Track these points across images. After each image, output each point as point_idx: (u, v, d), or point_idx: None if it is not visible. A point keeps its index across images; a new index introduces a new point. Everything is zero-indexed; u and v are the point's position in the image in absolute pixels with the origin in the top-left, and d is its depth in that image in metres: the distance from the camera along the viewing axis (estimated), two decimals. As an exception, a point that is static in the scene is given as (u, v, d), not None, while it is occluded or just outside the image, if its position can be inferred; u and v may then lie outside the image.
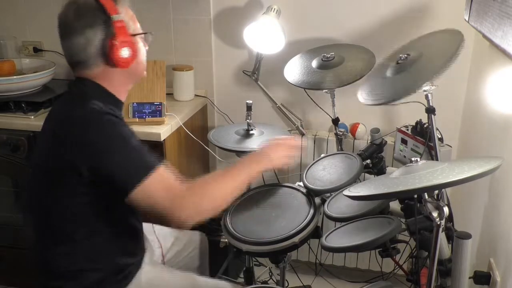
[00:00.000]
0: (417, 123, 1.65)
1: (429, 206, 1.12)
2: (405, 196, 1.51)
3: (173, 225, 1.26)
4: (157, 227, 1.74)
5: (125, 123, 1.33)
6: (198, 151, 2.36)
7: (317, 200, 1.72)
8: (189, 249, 1.82)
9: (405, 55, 1.59)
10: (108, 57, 1.32)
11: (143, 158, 1.27)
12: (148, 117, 2.01)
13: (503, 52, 1.29)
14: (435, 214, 1.11)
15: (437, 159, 1.55)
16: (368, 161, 1.82)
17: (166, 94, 2.11)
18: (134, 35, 1.37)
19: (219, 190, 1.32)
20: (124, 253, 1.42)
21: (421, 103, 1.54)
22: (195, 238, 1.87)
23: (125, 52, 1.32)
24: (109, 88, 1.38)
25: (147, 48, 1.45)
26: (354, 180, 1.66)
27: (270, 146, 1.51)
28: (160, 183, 1.25)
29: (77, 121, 1.28)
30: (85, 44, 1.31)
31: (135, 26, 1.39)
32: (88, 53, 1.32)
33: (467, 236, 1.28)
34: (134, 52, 1.35)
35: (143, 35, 1.41)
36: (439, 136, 1.62)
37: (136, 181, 1.22)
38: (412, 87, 1.42)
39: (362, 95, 1.60)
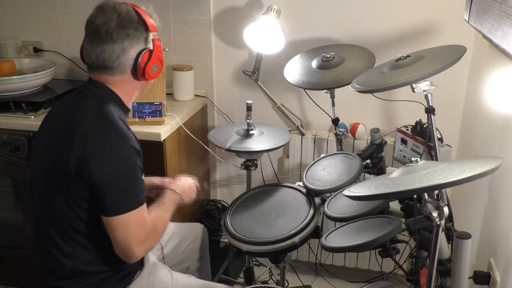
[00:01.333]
0: (417, 123, 1.65)
1: (429, 206, 1.12)
2: (405, 196, 1.51)
3: (127, 258, 1.35)
4: None
5: (139, 152, 1.37)
6: (198, 151, 2.36)
7: (317, 200, 1.72)
8: (188, 242, 1.83)
9: (406, 56, 1.59)
10: (139, 70, 1.37)
11: (138, 192, 1.34)
12: (148, 117, 2.01)
13: (503, 52, 1.29)
14: (435, 214, 1.11)
15: (436, 159, 1.55)
16: (368, 161, 1.82)
17: (166, 94, 2.11)
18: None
19: (162, 231, 1.46)
20: None
21: (421, 103, 1.54)
22: (195, 230, 1.88)
23: (155, 68, 1.40)
24: (120, 95, 1.41)
25: None
26: (354, 180, 1.66)
27: (178, 187, 1.60)
28: (139, 219, 1.33)
29: (106, 129, 1.32)
30: (120, 53, 1.35)
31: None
32: (120, 61, 1.36)
33: (467, 236, 1.28)
34: (161, 68, 1.43)
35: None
36: (439, 136, 1.62)
37: (121, 210, 1.29)
38: (403, 80, 1.43)
39: (355, 84, 1.60)
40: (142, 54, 1.36)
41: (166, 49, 1.52)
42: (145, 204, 1.36)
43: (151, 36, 1.39)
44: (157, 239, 1.43)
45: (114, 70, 1.36)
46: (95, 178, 1.27)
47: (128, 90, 1.43)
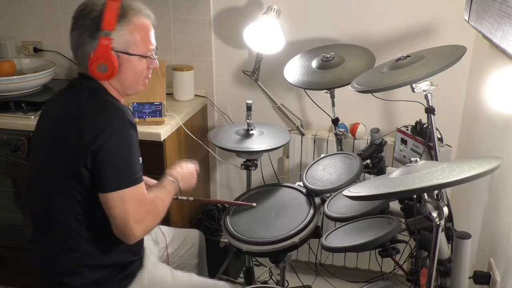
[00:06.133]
0: (417, 123, 1.65)
1: (429, 206, 1.12)
2: (405, 196, 1.51)
3: (126, 237, 1.33)
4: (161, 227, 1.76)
5: (134, 125, 1.37)
6: (198, 151, 2.36)
7: (317, 200, 1.72)
8: (187, 247, 1.83)
9: (406, 56, 1.59)
10: (87, 66, 1.35)
11: (135, 169, 1.33)
12: (148, 117, 2.01)
13: (503, 52, 1.29)
14: (434, 214, 1.11)
15: (436, 159, 1.55)
16: (368, 161, 1.82)
17: (166, 94, 2.11)
18: (127, 53, 1.36)
19: (162, 212, 1.44)
20: (125, 250, 1.43)
21: (421, 103, 1.54)
22: (193, 236, 1.88)
23: (102, 68, 1.34)
24: (108, 90, 1.41)
25: (152, 67, 1.46)
26: (354, 180, 1.66)
27: (177, 173, 1.59)
28: (137, 196, 1.33)
29: (100, 106, 1.33)
30: (77, 43, 1.36)
31: (140, 44, 1.38)
32: (77, 53, 1.37)
33: (467, 236, 1.28)
34: (113, 70, 1.34)
35: (146, 57, 1.41)
36: (439, 136, 1.62)
37: (118, 186, 1.29)
38: (403, 80, 1.43)
39: (355, 84, 1.60)
40: (89, 50, 1.33)
41: (155, 57, 1.45)
42: (143, 183, 1.36)
43: (99, 33, 1.31)
44: (156, 219, 1.41)
45: (78, 61, 1.38)
46: (97, 157, 1.27)
47: (110, 86, 1.41)
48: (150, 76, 1.48)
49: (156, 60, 1.46)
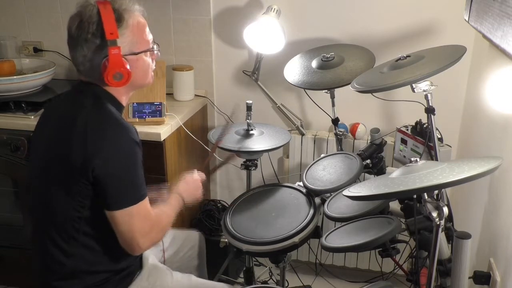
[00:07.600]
0: (417, 123, 1.65)
1: (429, 206, 1.12)
2: (405, 196, 1.51)
3: (132, 250, 1.36)
4: None
5: (139, 144, 1.37)
6: (198, 151, 2.36)
7: (317, 200, 1.72)
8: (186, 249, 1.83)
9: (406, 56, 1.59)
10: (101, 77, 1.34)
11: (140, 186, 1.35)
12: (148, 117, 2.01)
13: (503, 52, 1.29)
14: (434, 214, 1.11)
15: (436, 159, 1.55)
16: (368, 161, 1.82)
17: (166, 94, 2.11)
18: (134, 54, 1.37)
19: (167, 226, 1.47)
20: (124, 257, 1.43)
21: (421, 103, 1.54)
22: (193, 237, 1.88)
23: (118, 76, 1.33)
24: (112, 93, 1.40)
25: (154, 58, 1.47)
26: (354, 180, 1.66)
27: (182, 188, 1.61)
28: (143, 211, 1.35)
29: (104, 122, 1.31)
30: (84, 59, 1.34)
31: (141, 40, 1.39)
32: (86, 67, 1.35)
33: (467, 236, 1.28)
34: (128, 75, 1.34)
35: (150, 50, 1.42)
36: (439, 136, 1.63)
37: (124, 204, 1.30)
38: (403, 80, 1.43)
39: (355, 84, 1.60)
40: (102, 62, 1.32)
41: (158, 48, 1.46)
42: (147, 198, 1.37)
43: (108, 43, 1.30)
44: (162, 233, 1.44)
45: (87, 74, 1.37)
46: (98, 173, 1.27)
47: (117, 90, 1.40)
48: (154, 67, 1.48)
49: (158, 51, 1.47)
